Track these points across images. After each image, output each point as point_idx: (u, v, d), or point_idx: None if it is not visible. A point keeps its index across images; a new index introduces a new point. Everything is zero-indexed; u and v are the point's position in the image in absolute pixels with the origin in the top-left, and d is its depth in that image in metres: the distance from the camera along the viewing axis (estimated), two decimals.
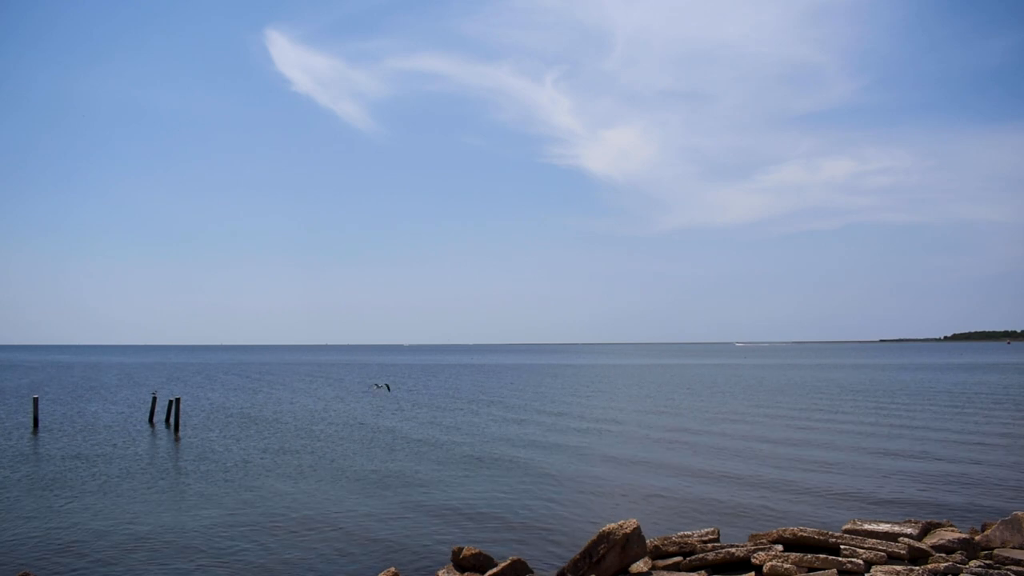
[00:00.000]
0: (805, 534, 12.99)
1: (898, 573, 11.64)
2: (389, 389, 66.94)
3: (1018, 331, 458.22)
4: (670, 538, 13.49)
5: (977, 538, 13.52)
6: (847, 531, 13.56)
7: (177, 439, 33.88)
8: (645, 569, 12.36)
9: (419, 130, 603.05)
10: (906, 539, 12.83)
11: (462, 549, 13.07)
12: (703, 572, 12.31)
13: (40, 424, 38.33)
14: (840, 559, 12.12)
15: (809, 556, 12.15)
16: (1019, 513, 13.40)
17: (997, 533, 13.36)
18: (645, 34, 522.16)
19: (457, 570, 12.88)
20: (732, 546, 12.85)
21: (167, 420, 39.75)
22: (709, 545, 13.07)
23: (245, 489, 22.20)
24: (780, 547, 12.73)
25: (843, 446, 30.04)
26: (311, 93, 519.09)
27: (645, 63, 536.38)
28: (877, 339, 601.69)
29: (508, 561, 12.51)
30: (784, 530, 13.31)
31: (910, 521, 14.00)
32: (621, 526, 12.27)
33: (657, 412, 45.61)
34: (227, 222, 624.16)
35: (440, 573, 13.02)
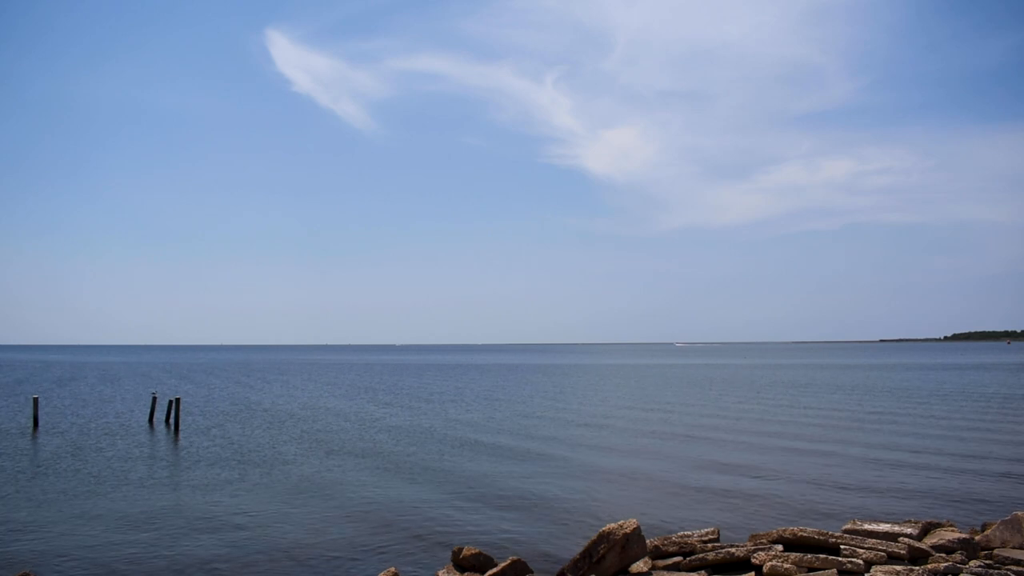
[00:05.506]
0: (805, 534, 12.99)
1: (898, 573, 11.64)
2: None
3: (1018, 331, 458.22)
4: (670, 538, 13.49)
5: (977, 538, 13.52)
6: (847, 531, 13.57)
7: (177, 439, 33.88)
8: (645, 569, 12.36)
9: (419, 130, 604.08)
10: (906, 539, 12.83)
11: (462, 549, 13.08)
12: (703, 572, 12.31)
13: (39, 424, 38.31)
14: (840, 559, 12.12)
15: (809, 556, 12.15)
16: (1019, 513, 13.40)
17: (997, 533, 13.37)
18: (645, 34, 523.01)
19: (457, 570, 12.88)
20: (732, 546, 12.86)
21: (167, 420, 39.74)
22: (709, 545, 13.07)
23: (244, 490, 22.20)
24: (780, 547, 12.73)
25: (842, 446, 30.03)
26: (311, 93, 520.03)
27: (645, 63, 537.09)
28: (877, 339, 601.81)
29: (508, 561, 12.51)
30: (784, 530, 13.31)
31: (910, 521, 14.00)
32: (621, 526, 12.28)
33: (655, 412, 45.61)
34: (227, 222, 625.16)
35: (440, 573, 13.02)
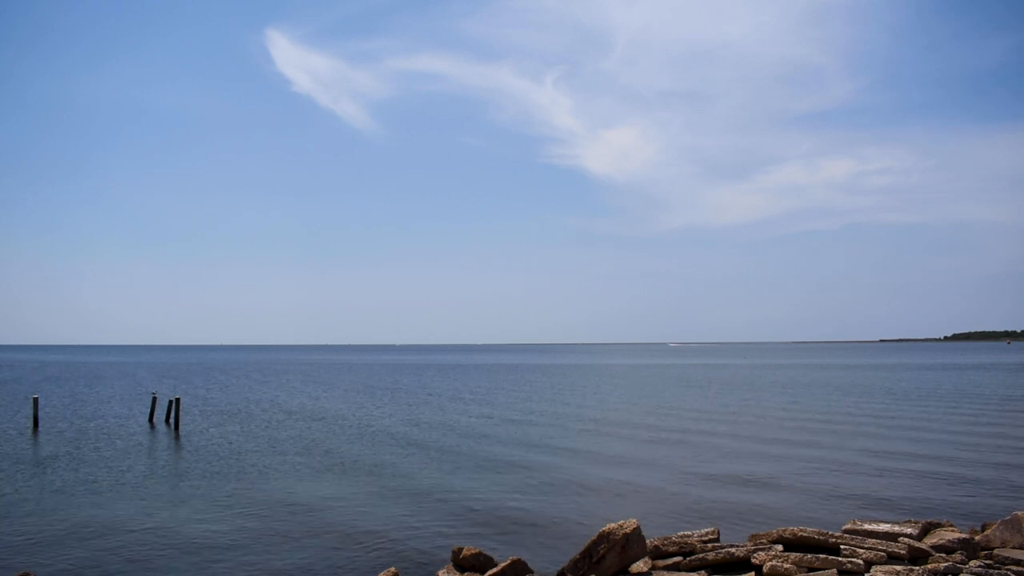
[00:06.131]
0: (805, 534, 12.99)
1: (898, 573, 11.64)
2: None
3: (1018, 331, 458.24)
4: (670, 538, 13.49)
5: (977, 538, 13.52)
6: (847, 531, 13.56)
7: (177, 439, 33.88)
8: (645, 569, 12.36)
9: (419, 130, 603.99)
10: (906, 539, 12.83)
11: (462, 549, 13.07)
12: (703, 572, 12.31)
13: (39, 424, 38.29)
14: (840, 559, 12.12)
15: (809, 556, 12.15)
16: (1019, 513, 13.40)
17: (997, 533, 13.37)
18: (645, 34, 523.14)
19: (457, 570, 12.88)
20: (732, 546, 12.85)
21: (167, 420, 39.74)
22: (709, 545, 13.07)
23: (244, 490, 22.20)
24: (780, 547, 12.73)
25: (842, 446, 30.04)
26: (311, 93, 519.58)
27: (645, 63, 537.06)
28: (877, 339, 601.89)
29: (508, 561, 12.50)
30: (784, 530, 13.31)
31: (910, 521, 14.00)
32: (621, 526, 12.27)
33: (654, 412, 45.61)
34: (227, 222, 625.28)
35: (440, 573, 13.01)
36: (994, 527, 13.74)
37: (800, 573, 11.87)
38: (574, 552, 13.20)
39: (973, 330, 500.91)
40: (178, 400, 38.49)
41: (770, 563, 12.10)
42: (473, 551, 12.98)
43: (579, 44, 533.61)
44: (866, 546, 12.63)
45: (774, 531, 13.47)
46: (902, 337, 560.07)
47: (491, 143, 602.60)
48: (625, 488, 22.14)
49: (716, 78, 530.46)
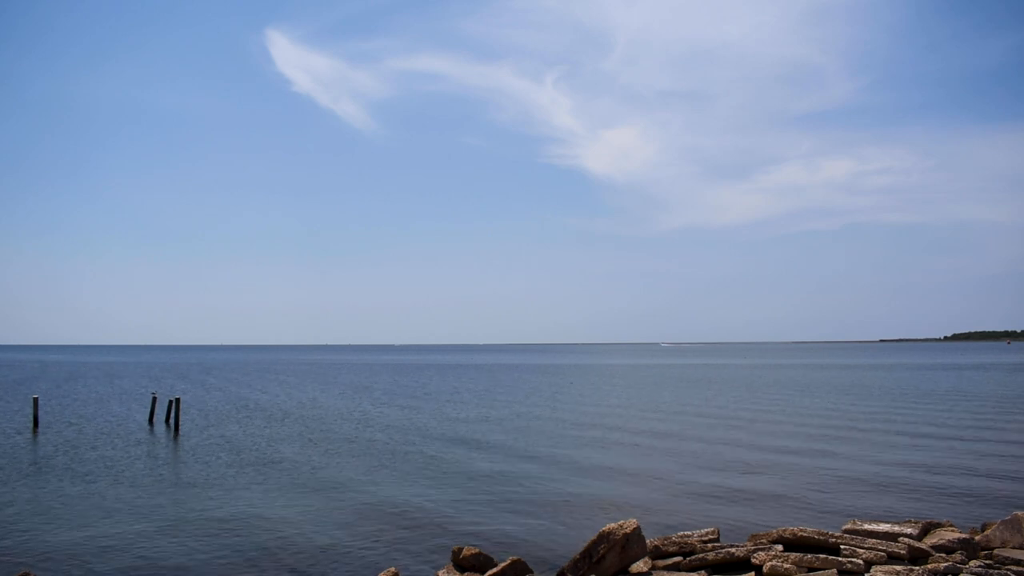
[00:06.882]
0: (805, 534, 12.99)
1: (898, 573, 11.64)
2: None
3: (1018, 331, 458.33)
4: (670, 538, 13.49)
5: (977, 538, 13.52)
6: (847, 531, 13.56)
7: (176, 439, 33.87)
8: (645, 569, 12.36)
9: (419, 130, 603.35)
10: (906, 539, 12.83)
11: (462, 549, 13.07)
12: (703, 572, 12.31)
13: (39, 424, 38.28)
14: (840, 559, 12.12)
15: (809, 556, 12.15)
16: (1019, 513, 13.40)
17: (997, 533, 13.36)
18: (645, 34, 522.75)
19: (457, 570, 12.88)
20: (732, 546, 12.85)
21: (167, 420, 39.74)
22: (709, 545, 13.07)
23: (242, 490, 22.20)
24: (780, 547, 12.73)
25: (842, 446, 30.03)
26: (311, 93, 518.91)
27: (645, 63, 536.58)
28: (877, 339, 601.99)
29: (508, 561, 12.50)
30: (784, 530, 13.31)
31: (910, 521, 14.00)
32: (621, 526, 12.27)
33: (653, 412, 45.62)
34: (227, 222, 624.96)
35: (440, 573, 13.01)
36: (994, 527, 13.74)
37: (800, 573, 11.87)
38: (574, 552, 13.20)
39: (973, 330, 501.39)
40: (178, 400, 38.48)
41: (770, 563, 12.10)
42: (473, 551, 12.98)
43: (579, 44, 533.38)
44: (866, 546, 12.63)
45: (774, 531, 13.47)
46: (902, 337, 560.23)
47: (491, 143, 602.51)
48: (625, 488, 22.14)
49: (716, 78, 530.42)
